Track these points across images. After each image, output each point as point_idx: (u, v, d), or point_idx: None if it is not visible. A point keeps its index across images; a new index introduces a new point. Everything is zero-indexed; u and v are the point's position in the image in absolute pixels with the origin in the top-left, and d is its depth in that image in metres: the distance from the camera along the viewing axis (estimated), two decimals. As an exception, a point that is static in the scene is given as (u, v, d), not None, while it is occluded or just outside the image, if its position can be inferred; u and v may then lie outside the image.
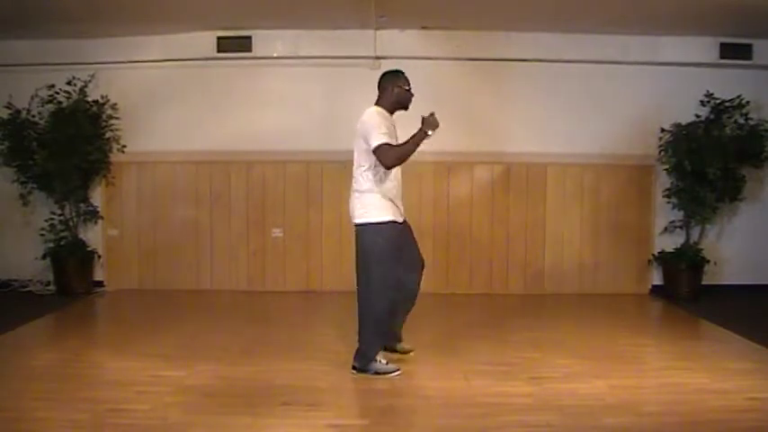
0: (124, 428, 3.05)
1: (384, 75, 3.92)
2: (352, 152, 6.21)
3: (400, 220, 3.83)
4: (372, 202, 3.73)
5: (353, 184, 3.83)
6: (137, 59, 6.07)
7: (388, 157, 3.65)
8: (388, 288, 3.72)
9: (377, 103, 3.87)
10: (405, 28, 5.91)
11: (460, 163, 6.15)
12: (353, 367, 3.81)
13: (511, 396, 3.51)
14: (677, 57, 6.00)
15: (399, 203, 3.85)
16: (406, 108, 3.87)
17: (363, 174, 3.75)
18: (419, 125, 3.72)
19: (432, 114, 3.74)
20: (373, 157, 3.69)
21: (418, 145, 3.70)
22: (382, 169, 3.73)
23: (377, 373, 3.75)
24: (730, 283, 6.17)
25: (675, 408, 3.34)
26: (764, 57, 5.94)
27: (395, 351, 4.03)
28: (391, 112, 3.85)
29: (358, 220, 3.77)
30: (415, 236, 3.99)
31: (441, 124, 3.75)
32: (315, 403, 3.37)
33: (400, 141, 3.75)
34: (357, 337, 3.83)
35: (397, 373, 3.77)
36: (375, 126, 3.66)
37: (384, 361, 3.81)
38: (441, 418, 3.19)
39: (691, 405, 3.36)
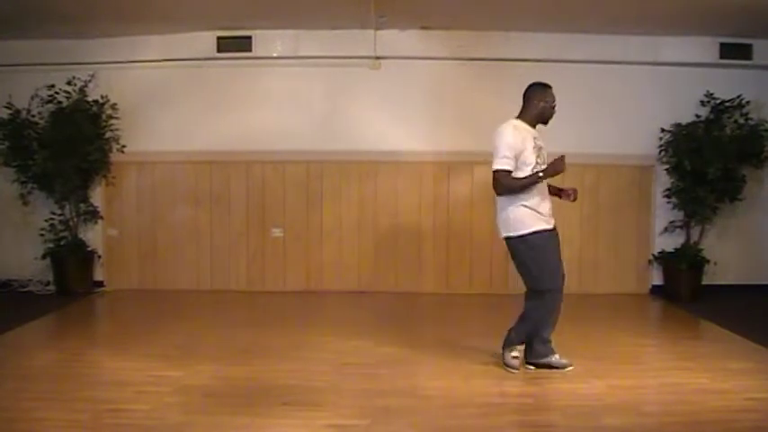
0: (123, 428, 3.05)
1: (531, 86, 3.86)
2: (349, 152, 6.27)
3: (548, 226, 3.78)
4: (515, 216, 3.72)
5: (496, 198, 3.80)
6: (136, 59, 6.07)
7: (501, 185, 3.67)
8: (549, 297, 3.76)
9: (519, 115, 3.83)
10: (405, 28, 5.91)
11: (460, 163, 6.15)
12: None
13: (511, 396, 3.51)
14: (677, 57, 6.00)
15: (544, 210, 3.78)
16: (545, 123, 3.86)
17: None
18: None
19: (562, 158, 3.67)
20: (516, 172, 3.68)
21: (534, 184, 3.70)
22: None
23: (504, 359, 3.88)
24: (730, 283, 6.17)
25: (675, 408, 3.34)
26: (764, 57, 5.94)
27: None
28: (533, 125, 3.81)
29: (504, 235, 3.80)
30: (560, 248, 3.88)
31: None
32: (315, 403, 3.37)
33: (518, 148, 3.67)
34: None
35: (514, 371, 3.82)
36: (500, 146, 3.65)
37: (516, 354, 3.88)
38: (440, 418, 3.19)
39: (690, 405, 3.36)
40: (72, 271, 6.03)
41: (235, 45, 5.97)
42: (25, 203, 5.91)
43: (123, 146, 6.03)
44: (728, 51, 5.90)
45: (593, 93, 6.08)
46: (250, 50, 5.99)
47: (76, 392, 3.48)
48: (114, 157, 6.07)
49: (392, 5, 5.21)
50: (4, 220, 6.25)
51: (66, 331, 4.98)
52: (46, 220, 5.99)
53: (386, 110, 6.11)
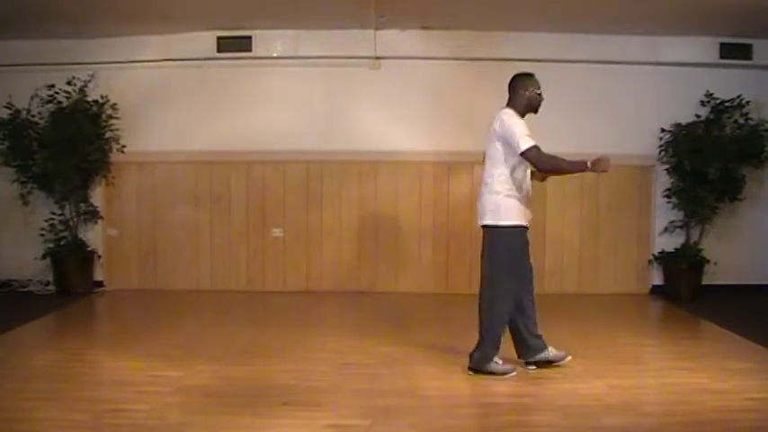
0: (124, 428, 3.05)
1: (515, 77, 3.81)
2: (350, 152, 6.26)
3: (527, 224, 3.77)
4: (506, 205, 3.68)
5: (485, 185, 3.78)
6: (136, 59, 6.07)
7: (543, 160, 3.59)
8: (510, 292, 3.72)
9: (508, 105, 3.78)
10: (405, 28, 5.91)
11: (460, 163, 6.14)
12: (469, 368, 3.79)
13: (511, 396, 3.51)
14: (677, 57, 6.00)
15: (527, 209, 3.78)
16: (535, 111, 3.80)
17: (499, 176, 3.70)
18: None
19: (606, 159, 3.52)
20: (513, 161, 3.63)
21: (573, 173, 3.67)
22: (520, 173, 3.67)
23: (492, 373, 3.73)
24: (730, 283, 6.16)
25: (675, 408, 3.34)
26: (764, 57, 5.94)
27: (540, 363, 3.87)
28: (522, 115, 3.75)
29: (488, 222, 3.74)
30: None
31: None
32: (314, 403, 3.37)
33: None
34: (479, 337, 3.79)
35: (512, 374, 3.75)
36: (519, 128, 3.59)
37: (500, 361, 3.77)
38: (441, 418, 3.19)
39: (691, 405, 3.36)
40: (72, 271, 6.03)
41: (235, 45, 5.97)
42: (25, 203, 5.90)
43: (123, 146, 6.03)
44: (728, 51, 5.90)
45: (593, 93, 6.08)
46: (250, 50, 5.99)
47: (76, 392, 3.48)
48: (114, 157, 6.07)
49: (392, 5, 5.21)
50: (4, 220, 6.25)
51: (66, 331, 4.98)
52: (46, 220, 5.99)
53: (386, 110, 6.11)
